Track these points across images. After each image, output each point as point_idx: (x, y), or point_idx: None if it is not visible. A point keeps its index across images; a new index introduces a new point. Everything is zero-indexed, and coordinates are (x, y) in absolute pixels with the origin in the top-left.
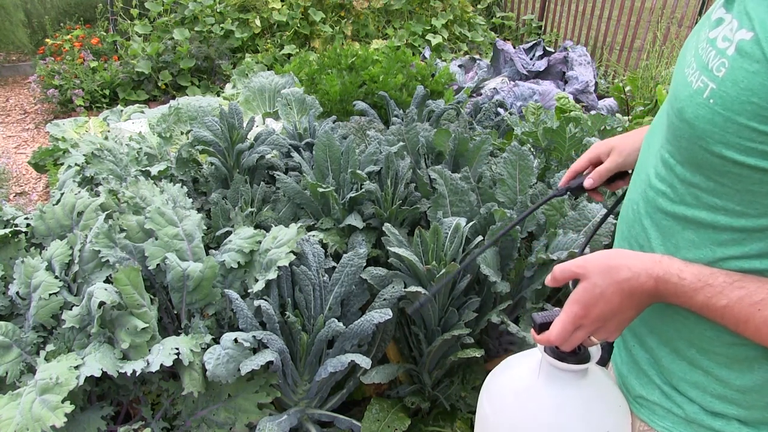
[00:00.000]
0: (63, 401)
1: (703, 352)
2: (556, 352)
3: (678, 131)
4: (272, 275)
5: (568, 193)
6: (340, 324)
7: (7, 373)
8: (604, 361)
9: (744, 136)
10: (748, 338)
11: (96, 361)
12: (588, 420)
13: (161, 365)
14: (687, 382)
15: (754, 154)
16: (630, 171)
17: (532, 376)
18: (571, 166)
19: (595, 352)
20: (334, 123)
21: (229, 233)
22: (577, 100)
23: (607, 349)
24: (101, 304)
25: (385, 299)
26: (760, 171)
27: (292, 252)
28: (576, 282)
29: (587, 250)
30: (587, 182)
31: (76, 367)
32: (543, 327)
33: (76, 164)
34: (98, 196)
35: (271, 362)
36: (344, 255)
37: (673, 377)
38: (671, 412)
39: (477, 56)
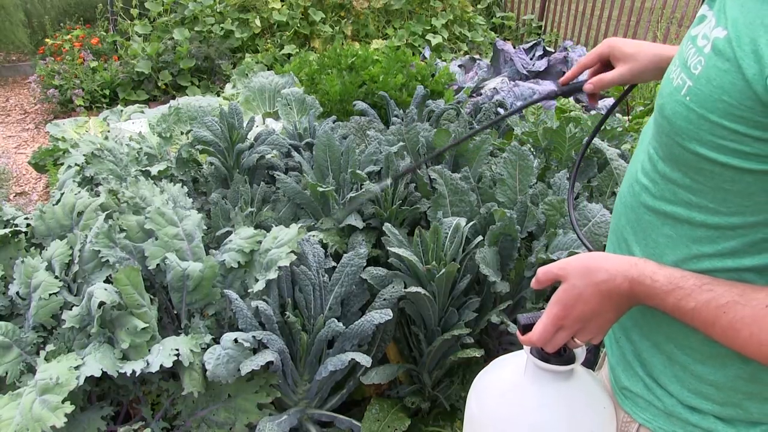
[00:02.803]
0: (63, 401)
1: (680, 347)
2: (541, 353)
3: (660, 127)
4: (272, 275)
5: (562, 94)
6: (340, 324)
7: (7, 373)
8: (590, 364)
9: (716, 133)
10: (716, 340)
11: (96, 361)
12: (571, 420)
13: (161, 365)
14: (666, 376)
15: (725, 151)
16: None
17: (518, 376)
18: (580, 61)
19: (580, 353)
20: (334, 123)
21: (229, 233)
22: (577, 100)
23: (594, 351)
24: (101, 304)
25: (385, 299)
26: (731, 169)
27: (292, 252)
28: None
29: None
30: (587, 86)
31: (76, 368)
32: (527, 328)
33: (76, 164)
34: (98, 196)
35: (271, 362)
36: (344, 255)
37: (654, 370)
38: (652, 405)
39: (477, 56)
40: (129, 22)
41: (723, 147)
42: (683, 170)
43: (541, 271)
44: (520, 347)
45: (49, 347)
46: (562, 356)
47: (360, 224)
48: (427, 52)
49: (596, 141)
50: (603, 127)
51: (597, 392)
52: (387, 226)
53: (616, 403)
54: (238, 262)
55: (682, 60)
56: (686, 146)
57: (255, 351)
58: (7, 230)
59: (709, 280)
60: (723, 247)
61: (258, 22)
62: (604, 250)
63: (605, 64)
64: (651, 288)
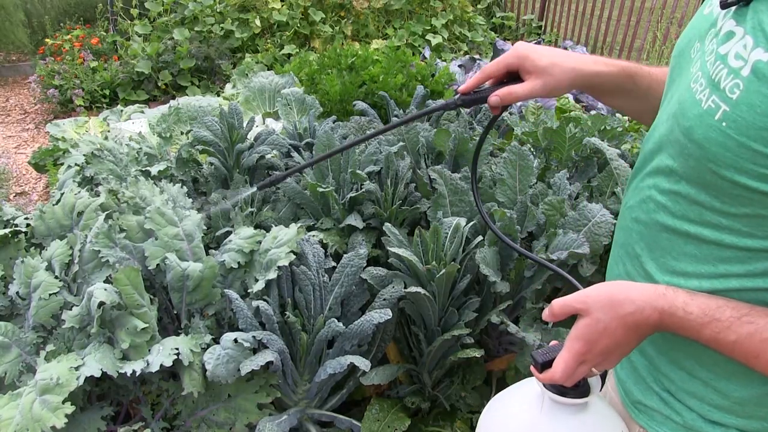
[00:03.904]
0: (63, 402)
1: (702, 363)
2: (557, 387)
3: (686, 150)
4: (272, 275)
5: (462, 105)
6: (340, 324)
7: (6, 373)
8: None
9: (759, 162)
10: (759, 372)
11: (96, 362)
12: None
13: (161, 365)
14: (685, 391)
15: (767, 180)
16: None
17: (534, 413)
18: (484, 68)
19: (596, 382)
20: (334, 123)
21: (229, 233)
22: (577, 100)
23: (602, 374)
24: (101, 304)
25: (385, 299)
26: None
27: (292, 252)
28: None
29: (586, 247)
30: (492, 99)
31: (76, 368)
32: (545, 366)
33: (76, 164)
34: (98, 196)
35: (271, 362)
36: (344, 255)
37: (672, 385)
38: (670, 419)
39: (477, 56)
40: (129, 22)
41: (765, 176)
42: (713, 194)
43: (558, 304)
44: (520, 347)
45: (49, 347)
46: (578, 388)
47: (360, 224)
48: (427, 52)
49: (596, 141)
50: (603, 127)
51: (613, 418)
52: (387, 226)
53: (629, 416)
54: (238, 263)
55: (710, 79)
56: (721, 173)
57: (255, 351)
58: (7, 230)
59: (747, 311)
60: (755, 268)
61: (258, 22)
62: (604, 251)
63: (513, 75)
64: (684, 320)
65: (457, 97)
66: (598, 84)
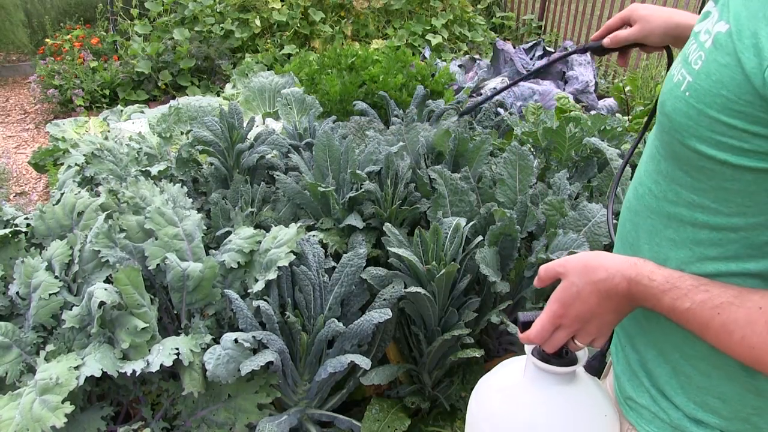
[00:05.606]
0: (63, 402)
1: (686, 356)
2: (542, 354)
3: (661, 125)
4: (272, 275)
5: (589, 51)
6: (340, 324)
7: (6, 374)
8: (596, 371)
9: (715, 129)
10: (712, 345)
11: (96, 361)
12: (568, 423)
13: (161, 365)
14: (671, 387)
15: (724, 148)
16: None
17: (518, 376)
18: (607, 23)
19: (582, 356)
20: (334, 123)
21: (229, 233)
22: (577, 100)
23: (599, 359)
24: (101, 304)
25: (385, 299)
26: (730, 166)
27: (292, 252)
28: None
29: (586, 247)
30: (605, 41)
31: (76, 368)
32: (526, 326)
33: (76, 164)
34: (98, 196)
35: (271, 362)
36: (344, 255)
37: (659, 380)
38: (657, 417)
39: (477, 56)
40: (129, 22)
41: (722, 143)
42: (685, 169)
43: (543, 268)
44: (521, 348)
45: (49, 347)
46: (562, 358)
47: (360, 224)
48: (427, 52)
49: (596, 141)
50: (603, 127)
51: (599, 399)
52: (387, 226)
53: (621, 413)
54: (238, 263)
55: (684, 56)
56: (686, 143)
57: (255, 351)
58: (7, 230)
59: (706, 282)
60: (726, 250)
61: (258, 22)
62: (604, 251)
63: (629, 24)
64: (648, 288)
65: (589, 43)
66: None
